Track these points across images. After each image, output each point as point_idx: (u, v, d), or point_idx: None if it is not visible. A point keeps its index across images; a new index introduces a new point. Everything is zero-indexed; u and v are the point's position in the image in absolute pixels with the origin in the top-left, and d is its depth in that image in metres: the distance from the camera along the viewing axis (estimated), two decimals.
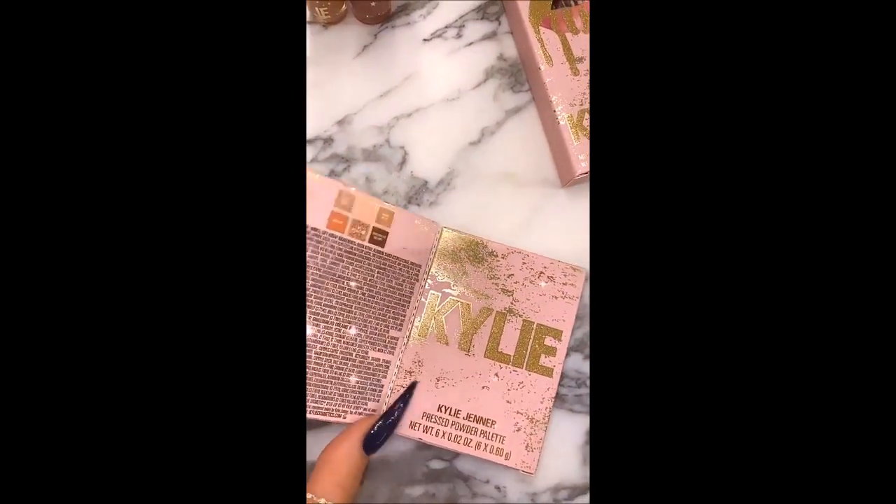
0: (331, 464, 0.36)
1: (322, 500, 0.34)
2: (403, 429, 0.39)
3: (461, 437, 0.40)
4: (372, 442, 0.37)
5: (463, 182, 0.46)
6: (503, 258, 0.43)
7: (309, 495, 0.35)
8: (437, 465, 0.43)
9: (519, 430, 0.40)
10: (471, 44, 0.48)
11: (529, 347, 0.42)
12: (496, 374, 0.41)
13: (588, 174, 0.43)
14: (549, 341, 0.42)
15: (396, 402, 0.39)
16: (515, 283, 0.43)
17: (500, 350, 0.42)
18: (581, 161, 0.43)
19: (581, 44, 0.44)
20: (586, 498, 0.43)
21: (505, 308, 0.42)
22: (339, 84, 0.46)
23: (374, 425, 0.38)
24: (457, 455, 0.43)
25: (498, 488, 0.43)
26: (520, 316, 0.42)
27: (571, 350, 0.44)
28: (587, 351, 0.44)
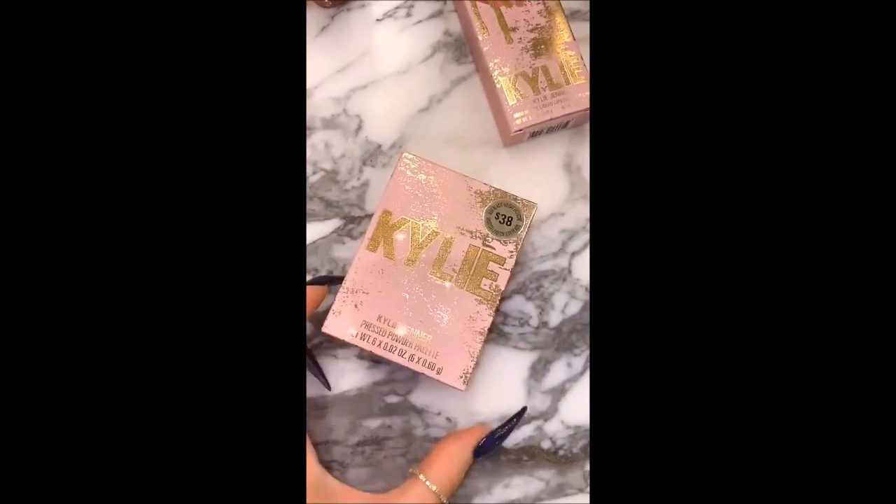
0: (447, 457, 0.42)
1: (434, 488, 0.41)
2: (349, 338, 0.41)
3: (396, 347, 0.41)
4: (482, 450, 0.43)
5: (414, 146, 0.51)
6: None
7: (422, 477, 0.41)
8: (392, 399, 0.47)
9: (454, 348, 0.41)
10: (419, 22, 0.53)
11: (474, 267, 0.42)
12: (435, 293, 0.42)
13: (522, 131, 0.48)
14: (491, 266, 0.42)
15: (508, 422, 0.44)
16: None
17: (443, 269, 0.42)
18: (516, 119, 0.47)
19: (514, 15, 0.49)
20: (530, 428, 0.47)
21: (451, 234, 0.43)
22: None
23: (486, 436, 0.44)
24: (410, 389, 0.47)
25: (449, 419, 0.47)
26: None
27: (514, 293, 0.48)
28: (528, 293, 0.49)
